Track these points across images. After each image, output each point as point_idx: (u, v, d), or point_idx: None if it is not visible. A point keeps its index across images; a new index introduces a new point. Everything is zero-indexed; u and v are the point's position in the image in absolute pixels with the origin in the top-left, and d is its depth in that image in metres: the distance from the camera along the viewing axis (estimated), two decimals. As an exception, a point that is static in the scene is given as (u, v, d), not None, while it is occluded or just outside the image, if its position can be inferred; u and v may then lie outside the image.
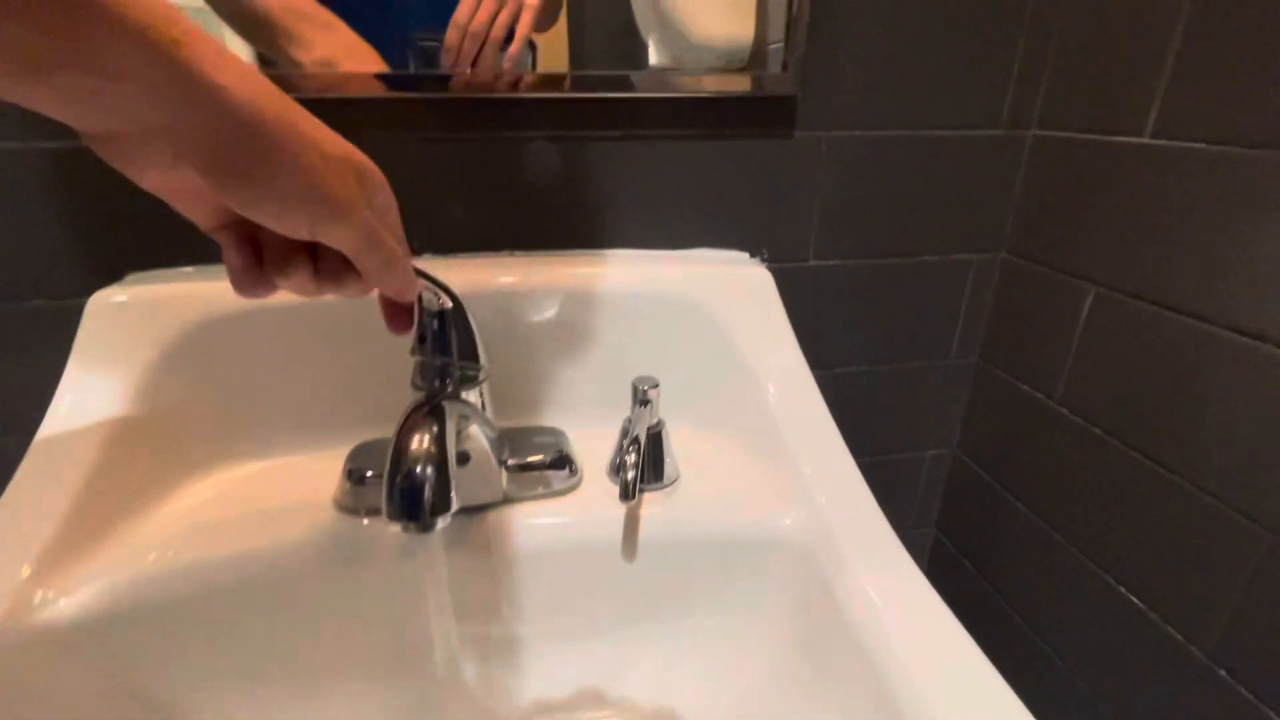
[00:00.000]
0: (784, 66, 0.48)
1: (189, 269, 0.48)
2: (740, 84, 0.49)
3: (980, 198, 0.58)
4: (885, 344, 0.63)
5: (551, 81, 0.46)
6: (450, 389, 0.38)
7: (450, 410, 0.34)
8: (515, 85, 0.46)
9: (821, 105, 0.51)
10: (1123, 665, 0.52)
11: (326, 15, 0.43)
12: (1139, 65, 0.46)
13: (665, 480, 0.45)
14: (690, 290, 0.51)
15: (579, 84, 0.47)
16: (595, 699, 0.45)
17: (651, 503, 0.44)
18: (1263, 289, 0.40)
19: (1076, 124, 0.52)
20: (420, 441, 0.31)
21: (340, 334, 0.46)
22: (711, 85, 0.49)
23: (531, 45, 0.46)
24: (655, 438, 0.45)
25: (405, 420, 0.32)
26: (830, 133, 0.52)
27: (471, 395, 0.40)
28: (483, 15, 0.44)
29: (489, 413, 0.42)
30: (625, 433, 0.45)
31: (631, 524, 0.43)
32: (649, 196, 0.52)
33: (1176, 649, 0.47)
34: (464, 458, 0.40)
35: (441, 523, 0.30)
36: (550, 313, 0.49)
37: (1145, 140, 0.46)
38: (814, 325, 0.60)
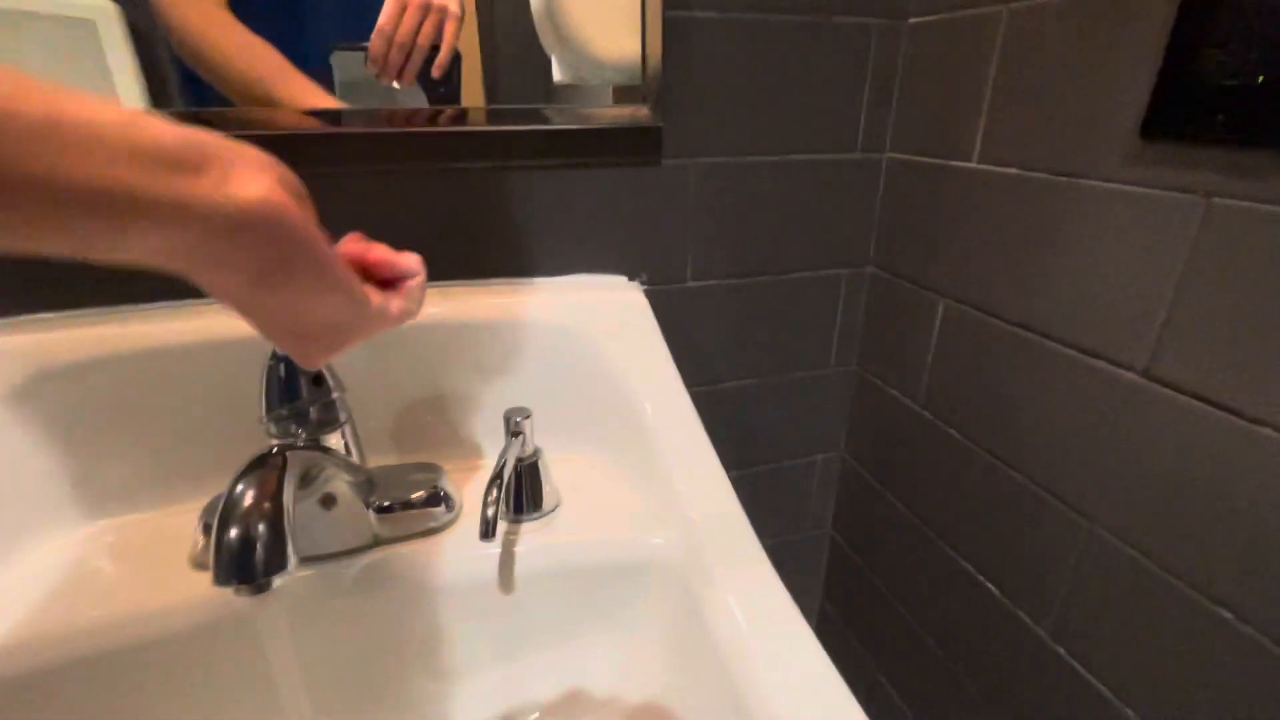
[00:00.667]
0: (643, 99, 0.50)
1: (47, 315, 0.44)
2: (609, 116, 0.50)
3: (845, 216, 0.62)
4: (767, 357, 0.65)
5: (427, 116, 0.46)
6: (301, 437, 0.37)
7: (294, 460, 0.33)
8: (382, 120, 0.46)
9: (684, 135, 0.53)
10: (987, 648, 0.56)
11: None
12: (964, 96, 0.50)
13: (544, 509, 0.46)
14: (567, 317, 0.51)
15: (454, 119, 0.47)
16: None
17: (530, 533, 0.44)
18: (1065, 302, 0.44)
19: (920, 148, 0.56)
20: (252, 496, 0.30)
21: (197, 380, 0.44)
22: (582, 117, 0.50)
23: (456, 55, 0.46)
24: (531, 467, 0.45)
25: (238, 475, 0.31)
26: (695, 160, 0.54)
27: (334, 438, 0.39)
28: (408, 25, 0.43)
29: (355, 454, 0.41)
30: (501, 465, 0.46)
31: (508, 557, 0.43)
32: (526, 225, 0.53)
33: (1023, 629, 0.51)
34: (328, 502, 0.40)
35: (279, 580, 0.29)
36: (425, 347, 0.49)
37: (973, 165, 0.50)
38: (697, 343, 0.62)
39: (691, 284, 0.59)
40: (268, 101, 0.44)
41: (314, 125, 0.45)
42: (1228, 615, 0.36)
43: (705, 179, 0.55)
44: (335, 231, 0.48)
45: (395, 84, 0.46)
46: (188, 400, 0.45)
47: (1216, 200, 0.34)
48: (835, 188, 0.60)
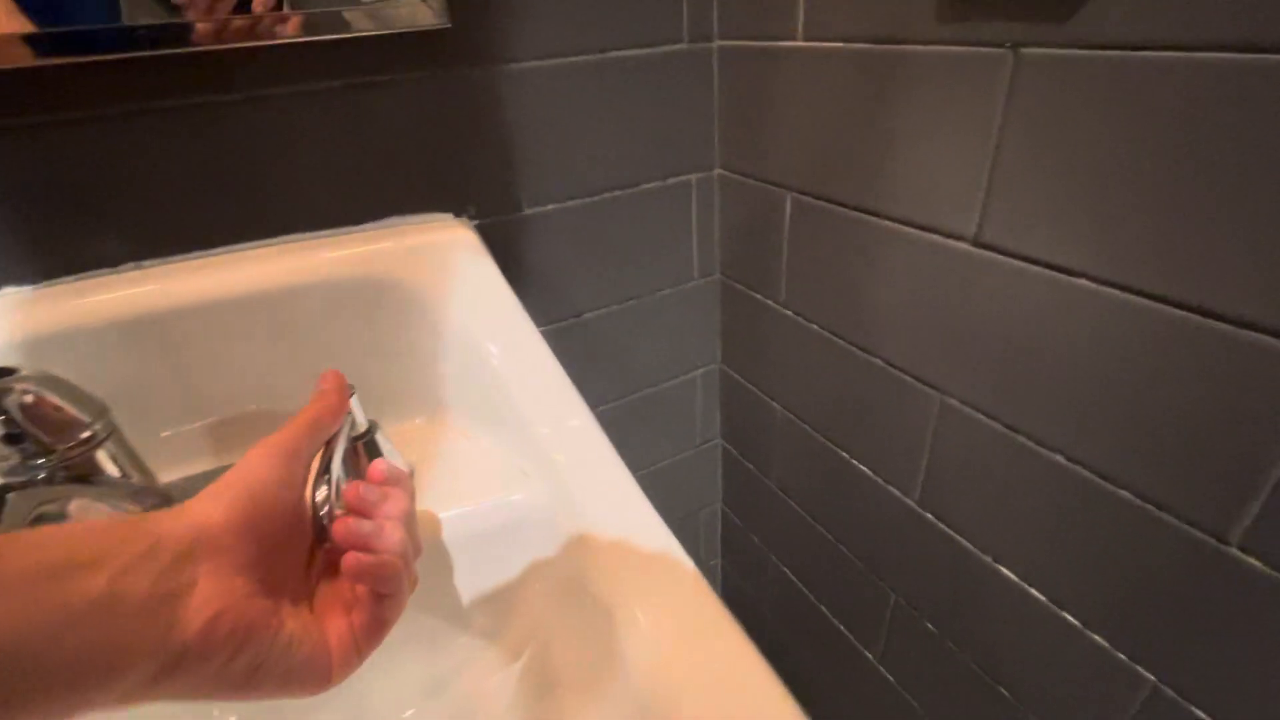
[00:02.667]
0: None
1: None
2: (372, 22, 0.42)
3: (684, 115, 0.57)
4: (627, 279, 0.62)
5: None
6: (41, 469, 0.30)
7: (18, 502, 0.26)
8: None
9: (482, 37, 0.46)
10: (867, 525, 0.59)
11: None
12: (781, -34, 0.46)
13: (391, 487, 0.41)
14: (384, 268, 0.45)
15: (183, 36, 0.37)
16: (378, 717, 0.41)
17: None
18: (897, 178, 0.43)
19: (748, 31, 0.52)
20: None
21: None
22: (344, 24, 0.41)
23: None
24: (369, 445, 0.40)
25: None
26: (503, 67, 0.48)
27: (107, 464, 0.32)
28: None
29: (134, 473, 0.34)
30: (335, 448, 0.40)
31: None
32: (311, 167, 0.45)
33: (897, 502, 0.53)
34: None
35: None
36: (221, 333, 0.41)
37: (800, 43, 0.47)
38: (548, 275, 0.57)
39: (528, 212, 0.54)
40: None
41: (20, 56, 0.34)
42: (1060, 460, 0.39)
43: (519, 89, 0.49)
44: (91, 198, 0.38)
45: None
46: None
47: (1024, 51, 0.33)
48: (668, 84, 0.55)
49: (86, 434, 0.32)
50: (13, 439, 0.29)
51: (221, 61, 0.40)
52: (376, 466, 0.31)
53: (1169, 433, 0.33)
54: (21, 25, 0.35)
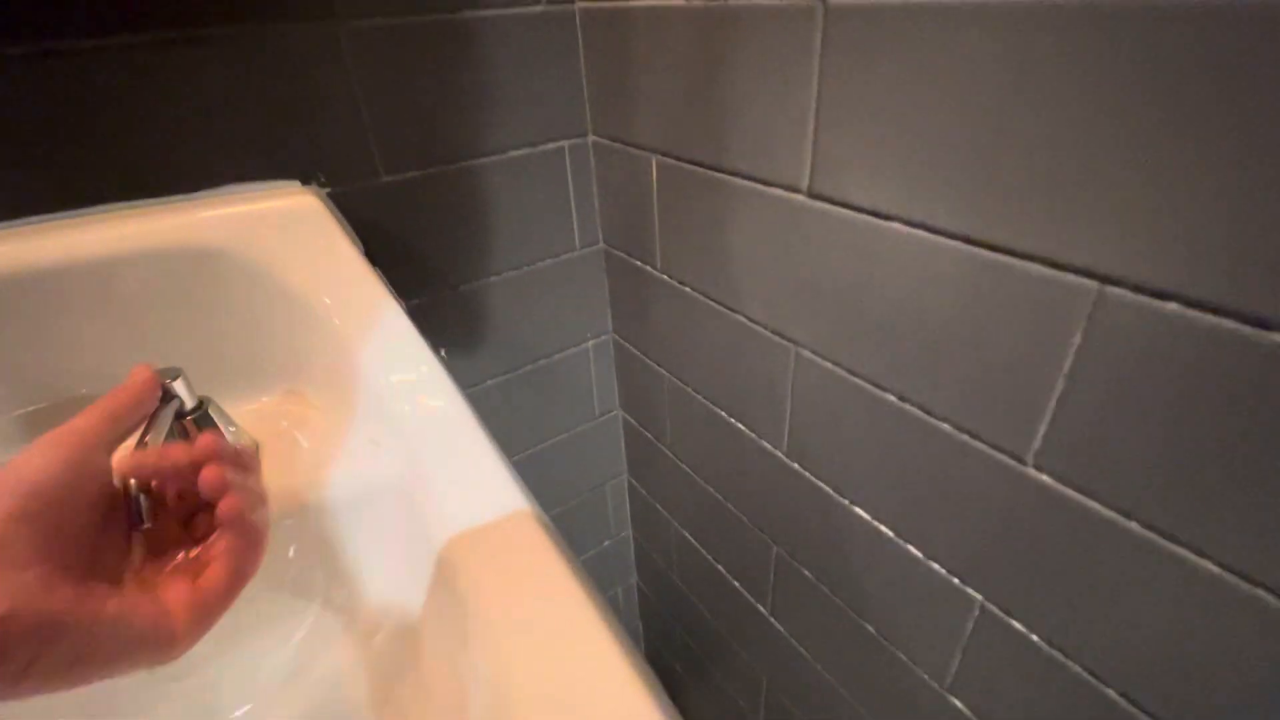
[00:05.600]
0: (236, -56, 0.39)
1: None
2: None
3: (551, 80, 0.56)
4: (505, 249, 0.61)
5: None
6: None
7: None
8: None
9: (316, -8, 0.44)
10: (747, 480, 0.60)
11: None
12: (625, -77, 0.46)
13: (229, 464, 0.39)
14: (217, 237, 0.43)
15: None
16: (232, 702, 0.39)
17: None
18: (741, 134, 0.44)
19: (605, -8, 0.51)
20: None
21: None
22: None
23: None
24: (202, 419, 0.38)
25: None
26: (346, 22, 0.46)
27: None
28: None
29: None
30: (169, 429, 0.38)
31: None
32: (131, 126, 0.42)
33: (769, 456, 0.55)
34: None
35: None
36: (33, 308, 0.38)
37: (648, 2, 0.47)
38: (415, 246, 0.56)
39: (387, 179, 0.52)
40: None
41: None
42: (893, 399, 0.41)
43: (364, 47, 0.47)
44: None
45: None
46: None
47: (831, 1, 0.34)
48: (531, 48, 0.54)
49: None
50: None
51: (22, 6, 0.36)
52: (203, 440, 0.29)
53: (972, 366, 0.35)
54: None
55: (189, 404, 0.38)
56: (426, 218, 0.55)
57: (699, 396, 0.62)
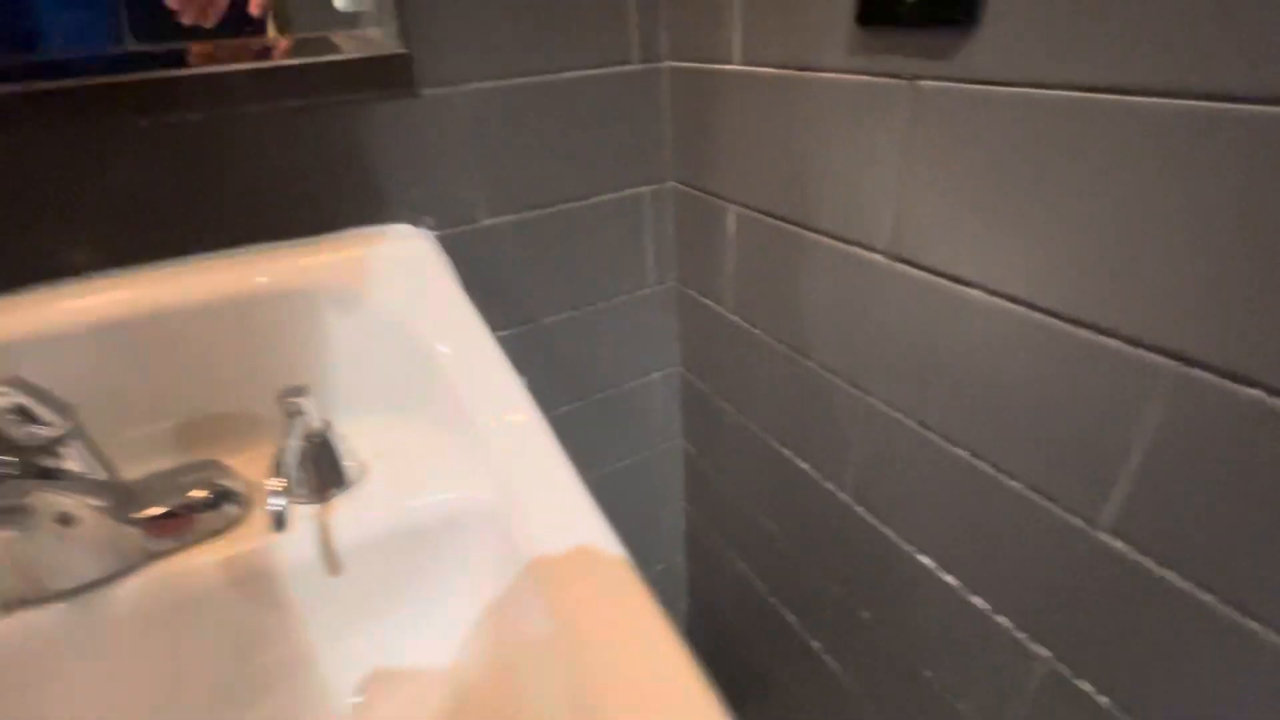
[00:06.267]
0: (384, 24, 0.45)
1: None
2: (348, 46, 0.45)
3: (638, 132, 0.60)
4: (583, 286, 0.65)
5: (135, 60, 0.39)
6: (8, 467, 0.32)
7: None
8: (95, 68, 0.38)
9: (440, 60, 0.49)
10: (811, 521, 0.62)
11: None
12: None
13: (346, 483, 0.43)
14: (342, 275, 0.47)
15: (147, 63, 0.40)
16: (323, 710, 0.43)
17: (334, 511, 0.42)
18: (821, 194, 0.46)
19: (694, 54, 0.55)
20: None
21: None
22: (313, 49, 0.44)
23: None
24: (323, 444, 0.42)
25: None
26: (460, 87, 0.50)
27: (70, 461, 0.35)
28: None
29: (98, 469, 0.36)
30: (288, 449, 0.42)
31: (313, 541, 0.41)
32: (276, 180, 0.47)
33: (833, 497, 0.57)
34: (67, 521, 0.35)
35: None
36: (179, 338, 0.43)
37: (738, 67, 0.50)
38: (506, 283, 0.60)
39: (486, 222, 0.56)
40: None
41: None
42: (965, 455, 0.42)
43: (477, 107, 0.52)
44: (59, 208, 0.41)
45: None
46: None
47: (919, 83, 0.37)
48: (621, 102, 0.58)
49: (52, 434, 0.34)
50: None
51: (195, 82, 0.42)
52: None
53: (1048, 430, 0.36)
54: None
55: (316, 422, 0.42)
56: (517, 257, 0.60)
57: (762, 434, 0.64)
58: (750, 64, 0.49)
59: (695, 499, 0.85)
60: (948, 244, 0.38)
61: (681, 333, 0.74)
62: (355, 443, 0.45)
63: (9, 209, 0.41)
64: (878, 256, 0.43)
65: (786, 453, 0.62)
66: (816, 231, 0.48)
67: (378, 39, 0.45)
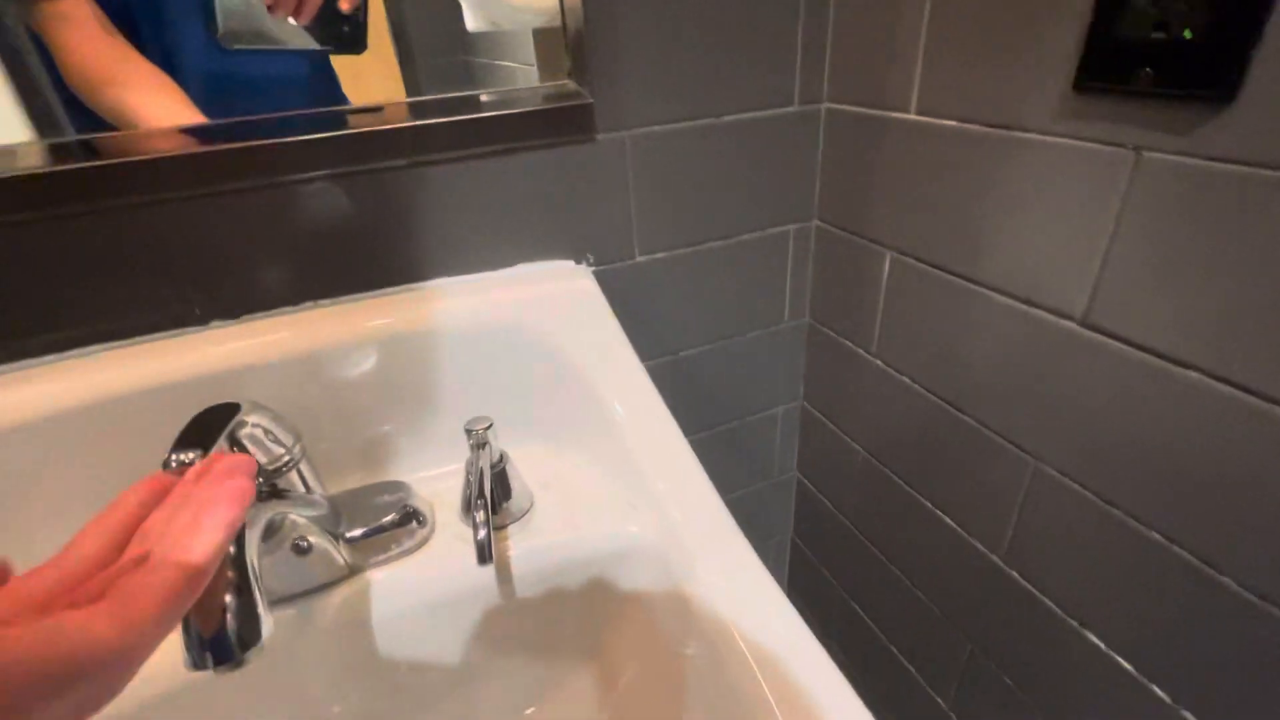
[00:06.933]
0: (569, 75, 0.47)
1: None
2: (533, 99, 0.47)
3: (788, 172, 0.60)
4: (722, 321, 0.66)
5: (329, 120, 0.43)
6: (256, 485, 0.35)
7: (254, 517, 0.32)
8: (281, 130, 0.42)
9: (616, 105, 0.51)
10: (947, 573, 0.60)
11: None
12: (899, 46, 0.49)
13: (517, 513, 0.46)
14: (514, 312, 0.50)
15: (348, 121, 0.43)
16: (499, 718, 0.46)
17: (507, 539, 0.44)
18: (1004, 253, 0.45)
19: (858, 99, 0.55)
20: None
21: (138, 432, 0.42)
22: (503, 102, 0.47)
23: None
24: (500, 475, 0.45)
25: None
26: (631, 131, 0.52)
27: (292, 477, 0.38)
28: None
29: (315, 487, 0.40)
30: (469, 479, 0.45)
31: (492, 566, 0.43)
32: (458, 220, 0.50)
33: (981, 556, 0.55)
34: (299, 548, 0.39)
35: (254, 655, 0.29)
36: (369, 363, 0.47)
37: (911, 116, 0.50)
38: (652, 316, 0.61)
39: (640, 259, 0.58)
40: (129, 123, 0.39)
41: (190, 145, 0.41)
42: (1159, 538, 0.40)
43: (643, 149, 0.53)
44: (259, 251, 0.45)
45: (291, 20, 0.42)
46: (124, 455, 0.42)
47: (1145, 154, 0.35)
48: (776, 143, 0.58)
49: (287, 456, 0.38)
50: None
51: (391, 134, 0.45)
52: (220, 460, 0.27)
53: (1257, 517, 0.34)
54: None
55: (496, 454, 0.45)
56: (663, 292, 0.61)
57: (898, 479, 0.63)
58: (928, 114, 0.48)
59: (807, 533, 0.84)
60: (1152, 317, 0.37)
61: (809, 367, 0.73)
62: (522, 471, 0.47)
63: (228, 252, 0.45)
64: (1068, 323, 0.42)
65: (925, 502, 0.60)
66: (991, 289, 0.47)
67: (568, 90, 0.47)
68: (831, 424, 0.72)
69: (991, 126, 0.43)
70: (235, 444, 0.34)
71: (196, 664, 0.27)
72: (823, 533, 0.80)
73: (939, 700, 0.66)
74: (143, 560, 0.21)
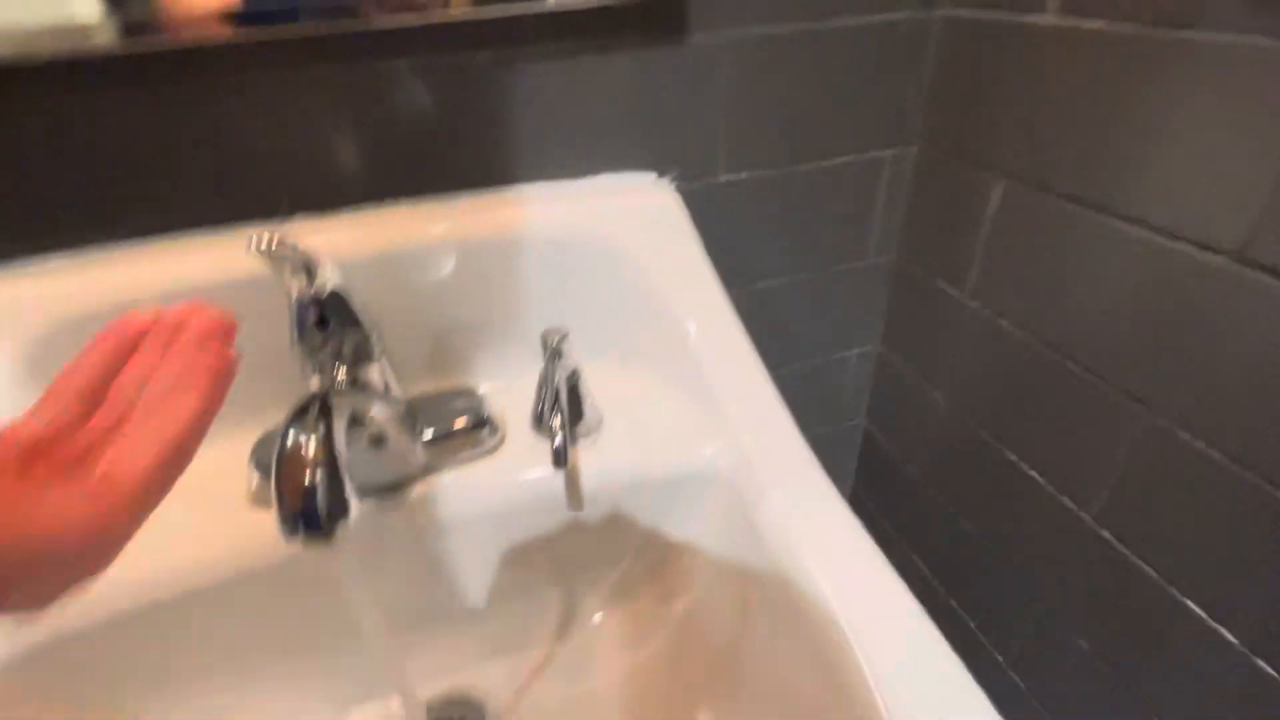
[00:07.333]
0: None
1: (60, 258, 0.42)
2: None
3: (892, 89, 0.55)
4: (804, 253, 0.62)
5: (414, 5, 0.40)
6: (340, 374, 0.35)
7: (340, 404, 0.32)
8: (370, 13, 0.40)
9: (713, 4, 0.46)
10: (1025, 530, 0.57)
11: None
12: (1044, -67, 0.43)
13: (587, 430, 0.45)
14: (594, 224, 0.48)
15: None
16: (546, 642, 0.47)
17: (580, 451, 0.44)
18: (1148, 178, 0.40)
19: (985, 0, 0.49)
20: (306, 446, 0.29)
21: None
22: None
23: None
24: (573, 389, 0.44)
25: (287, 423, 0.30)
26: (726, 32, 0.48)
27: (372, 372, 0.38)
28: None
29: (393, 386, 0.40)
30: (542, 387, 0.44)
31: (559, 479, 0.43)
32: (540, 123, 0.48)
33: (1068, 514, 0.51)
34: (376, 441, 0.39)
35: (342, 529, 0.29)
36: (446, 267, 0.46)
37: (1049, 19, 0.44)
38: (730, 241, 0.58)
39: (722, 179, 0.55)
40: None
41: (249, 34, 0.39)
42: (1297, 503, 0.36)
43: (736, 56, 0.49)
44: (340, 144, 0.44)
45: None
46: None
47: (1359, 51, 0.29)
48: (882, 55, 0.53)
49: (370, 347, 0.37)
50: (324, 325, 0.35)
51: (473, 25, 0.43)
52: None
53: None
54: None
55: (570, 368, 0.44)
56: (746, 217, 0.57)
57: (978, 429, 0.59)
58: (1072, 15, 0.42)
59: (869, 483, 0.82)
60: (1343, 254, 0.32)
61: (890, 310, 0.69)
62: (594, 390, 0.46)
63: (314, 145, 0.44)
64: (1219, 258, 0.37)
65: (1009, 454, 0.57)
66: (1124, 219, 0.42)
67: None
68: (910, 371, 0.68)
69: (1153, 26, 0.37)
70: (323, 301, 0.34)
71: (289, 535, 0.28)
72: (888, 484, 0.77)
73: (999, 657, 0.63)
74: (118, 427, 0.20)
